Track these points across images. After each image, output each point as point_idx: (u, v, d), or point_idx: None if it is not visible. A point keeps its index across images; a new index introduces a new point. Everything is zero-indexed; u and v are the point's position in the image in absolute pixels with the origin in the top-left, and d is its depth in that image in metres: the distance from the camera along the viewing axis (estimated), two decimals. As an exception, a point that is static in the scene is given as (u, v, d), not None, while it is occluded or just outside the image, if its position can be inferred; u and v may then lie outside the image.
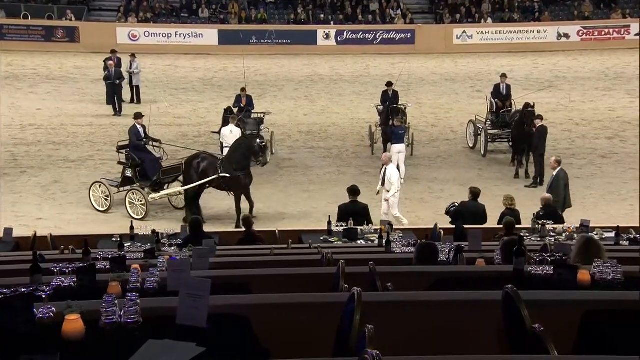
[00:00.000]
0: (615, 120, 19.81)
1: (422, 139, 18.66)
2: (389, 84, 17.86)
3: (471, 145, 17.90)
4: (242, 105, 17.46)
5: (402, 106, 17.62)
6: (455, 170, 16.46)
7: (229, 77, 24.89)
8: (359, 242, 9.73)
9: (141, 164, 13.44)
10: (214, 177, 12.88)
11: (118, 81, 20.39)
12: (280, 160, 17.36)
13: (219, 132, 15.84)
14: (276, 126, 19.09)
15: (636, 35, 28.55)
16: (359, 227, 10.36)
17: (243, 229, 10.13)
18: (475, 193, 11.64)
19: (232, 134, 14.96)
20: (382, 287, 4.48)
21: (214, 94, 23.15)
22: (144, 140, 13.78)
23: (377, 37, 29.35)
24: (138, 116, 14.02)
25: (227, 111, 16.54)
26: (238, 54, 27.48)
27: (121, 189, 13.49)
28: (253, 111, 17.70)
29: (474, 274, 5.10)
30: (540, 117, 15.45)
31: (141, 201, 13.18)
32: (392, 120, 16.27)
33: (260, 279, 4.96)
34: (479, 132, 17.59)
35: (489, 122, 17.53)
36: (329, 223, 10.51)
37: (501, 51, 28.42)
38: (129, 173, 13.48)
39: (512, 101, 17.76)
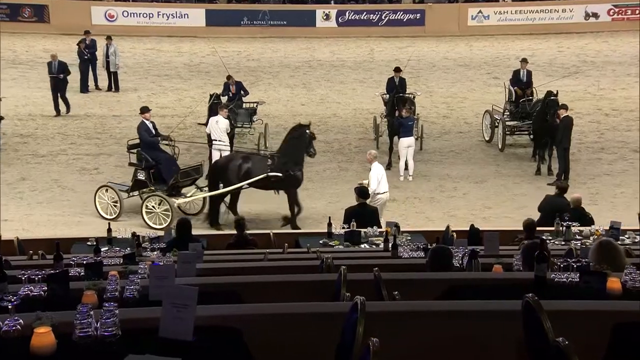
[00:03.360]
0: (650, 110, 19.84)
1: (433, 132, 18.67)
2: (397, 70, 17.85)
3: (487, 139, 17.91)
4: (231, 94, 17.45)
5: (410, 95, 17.61)
6: (469, 166, 16.47)
7: (217, 62, 24.81)
8: (362, 245, 9.77)
9: (155, 165, 13.25)
10: (261, 177, 12.85)
11: (62, 75, 19.44)
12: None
13: (206, 124, 15.85)
14: (270, 117, 19.09)
15: (674, 14, 28.54)
16: (363, 230, 10.36)
17: (234, 232, 10.13)
18: (562, 188, 11.82)
19: (217, 125, 14.96)
20: (388, 296, 4.50)
21: (201, 82, 23.15)
22: (157, 138, 13.64)
23: (383, 17, 29.32)
24: (145, 110, 13.78)
25: (214, 98, 16.50)
26: (228, 36, 27.51)
27: (131, 193, 13.32)
28: (245, 100, 17.70)
29: (491, 281, 5.11)
30: (565, 107, 15.45)
31: (164, 208, 12.89)
32: (399, 110, 16.27)
33: (252, 287, 4.97)
34: (496, 124, 17.60)
35: (507, 113, 17.54)
36: (329, 225, 10.52)
37: (521, 33, 28.42)
38: (141, 175, 13.27)
39: (534, 89, 17.76)
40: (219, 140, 14.98)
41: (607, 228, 10.03)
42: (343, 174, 16.17)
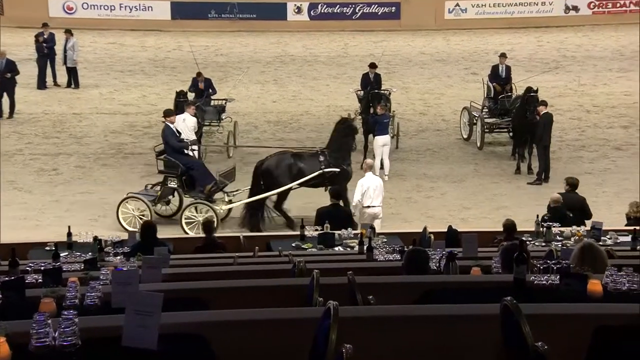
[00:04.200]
0: (632, 107, 20.11)
1: (409, 130, 18.77)
2: (371, 66, 17.91)
3: (465, 136, 18.04)
4: (200, 89, 17.38)
5: (385, 91, 17.69)
6: (447, 165, 16.58)
7: (184, 57, 24.73)
8: (336, 248, 9.80)
9: (187, 171, 13.15)
10: (316, 174, 12.99)
11: (10, 74, 18.86)
12: (245, 154, 17.31)
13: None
14: (240, 115, 19.04)
15: (656, 7, 28.98)
16: (337, 232, 10.40)
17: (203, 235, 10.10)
18: (572, 184, 11.96)
19: (185, 123, 14.89)
20: (362, 301, 4.51)
21: (167, 78, 23.03)
22: (186, 142, 13.56)
23: (357, 11, 29.41)
24: (169, 114, 13.77)
25: (180, 95, 16.42)
26: (195, 30, 27.35)
27: (159, 202, 13.20)
28: (213, 97, 17.64)
29: (469, 284, 5.15)
30: (545, 103, 15.62)
31: (208, 216, 12.68)
32: (374, 107, 16.33)
33: (221, 293, 4.95)
34: (475, 121, 17.75)
35: (486, 110, 17.68)
36: (302, 227, 10.54)
37: (500, 27, 28.67)
38: (173, 183, 13.18)
39: (513, 85, 17.94)
40: (187, 140, 14.90)
41: (589, 229, 10.16)
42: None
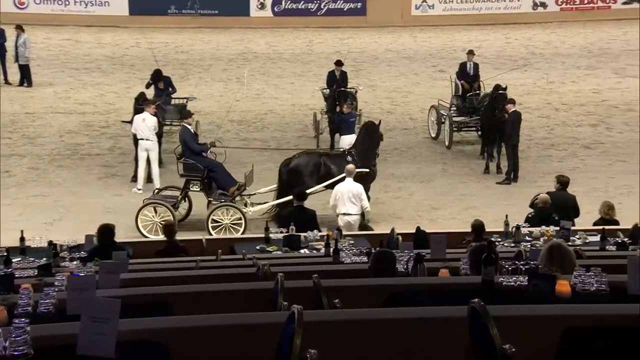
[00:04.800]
0: (600, 105, 20.46)
1: (377, 128, 18.83)
2: (337, 63, 17.96)
3: (433, 135, 18.18)
4: (159, 88, 17.24)
5: (352, 89, 17.74)
6: (415, 164, 16.69)
7: (143, 54, 24.54)
8: (302, 251, 9.83)
9: (208, 174, 13.19)
10: (344, 175, 13.00)
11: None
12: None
13: (130, 122, 15.62)
14: (202, 114, 18.95)
15: (623, 3, 29.49)
16: (302, 234, 10.42)
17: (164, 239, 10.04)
18: (563, 182, 12.05)
19: (144, 122, 14.78)
20: (328, 304, 4.52)
21: (125, 75, 22.82)
22: (207, 145, 13.62)
23: (322, 7, 29.45)
24: (187, 115, 13.77)
25: (139, 101, 16.23)
26: (154, 26, 27.15)
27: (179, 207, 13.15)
28: (174, 96, 17.52)
29: (437, 286, 5.19)
30: (513, 102, 15.80)
31: (235, 218, 12.78)
32: (340, 106, 16.37)
33: (183, 297, 4.93)
34: (443, 120, 17.89)
35: (454, 108, 17.83)
36: (267, 229, 10.53)
37: (468, 23, 28.94)
38: (196, 187, 13.20)
39: (481, 83, 18.11)
40: (147, 140, 14.80)
41: (558, 229, 10.30)
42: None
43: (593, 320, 3.81)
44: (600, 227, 9.82)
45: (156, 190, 13.68)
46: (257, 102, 21.07)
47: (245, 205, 13.21)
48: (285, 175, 13.36)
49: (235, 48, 26.31)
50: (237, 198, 13.31)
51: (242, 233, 12.53)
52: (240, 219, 12.80)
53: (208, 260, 8.35)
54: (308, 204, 12.23)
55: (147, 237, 12.61)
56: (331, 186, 13.08)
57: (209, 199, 13.18)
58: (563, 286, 4.55)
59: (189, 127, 13.65)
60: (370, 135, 13.82)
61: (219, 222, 12.83)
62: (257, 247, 9.95)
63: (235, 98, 21.23)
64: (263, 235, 10.49)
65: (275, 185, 13.55)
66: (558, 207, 11.38)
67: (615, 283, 4.54)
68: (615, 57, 24.58)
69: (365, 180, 13.30)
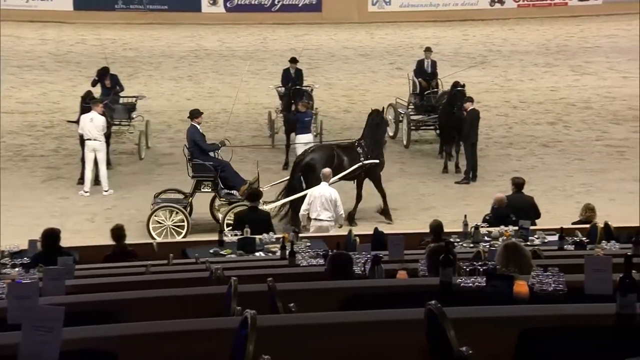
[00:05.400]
0: (558, 102, 20.81)
1: (333, 128, 18.89)
2: (292, 61, 17.96)
3: (391, 134, 18.28)
4: (107, 87, 17.03)
5: (307, 88, 17.76)
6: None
7: (89, 51, 24.23)
8: (257, 254, 9.82)
9: (217, 173, 13.25)
10: (356, 166, 13.53)
11: None
12: (158, 155, 17.13)
13: (76, 122, 15.42)
14: (152, 113, 18.80)
15: (580, 0, 30.05)
16: (257, 237, 10.41)
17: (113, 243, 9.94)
18: (517, 184, 12.10)
19: (92, 123, 14.60)
20: (282, 308, 4.52)
21: (70, 73, 22.51)
22: (217, 144, 13.82)
23: (276, 2, 29.41)
24: (196, 114, 13.81)
25: (86, 99, 16.04)
26: (100, 22, 26.80)
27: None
28: (122, 95, 17.33)
29: (394, 288, 5.22)
30: (471, 100, 15.97)
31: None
32: (295, 105, 16.37)
33: (132, 304, 4.90)
34: (400, 119, 18.01)
35: (412, 106, 17.97)
36: (220, 232, 10.49)
37: (425, 20, 29.17)
38: (207, 188, 13.28)
39: (439, 80, 18.27)
40: (94, 140, 14.64)
41: (517, 228, 10.45)
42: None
43: (550, 320, 3.87)
44: (559, 227, 9.97)
45: (155, 194, 13.63)
46: (210, 100, 20.96)
47: (263, 203, 13.24)
48: (300, 171, 13.52)
49: (186, 45, 26.13)
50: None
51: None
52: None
53: (159, 265, 8.28)
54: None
55: (156, 239, 12.50)
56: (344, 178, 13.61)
57: (221, 199, 13.32)
58: (521, 287, 4.62)
59: (197, 126, 13.71)
60: (377, 123, 14.23)
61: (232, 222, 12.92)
62: (211, 251, 9.89)
63: (186, 97, 21.12)
64: (217, 239, 10.44)
65: (281, 181, 13.77)
66: (516, 210, 11.43)
67: (572, 283, 4.62)
68: (572, 54, 25.03)
69: (375, 171, 13.80)
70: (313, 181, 13.15)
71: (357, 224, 13.41)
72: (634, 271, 4.01)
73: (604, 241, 9.26)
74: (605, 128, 18.84)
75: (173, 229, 12.87)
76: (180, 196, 13.55)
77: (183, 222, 12.92)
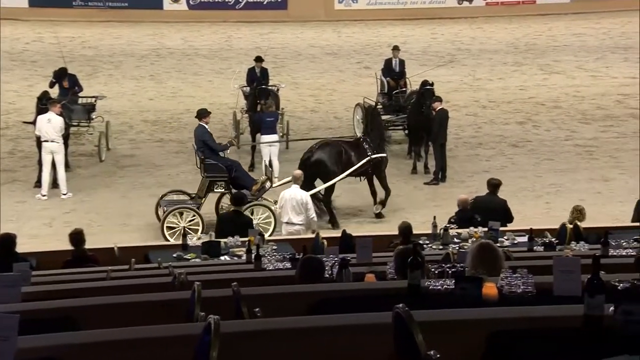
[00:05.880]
0: (527, 102, 21.04)
1: (300, 128, 18.90)
2: (258, 60, 17.93)
3: (359, 135, 18.32)
4: (64, 87, 16.85)
5: (273, 87, 17.74)
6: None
7: (46, 50, 23.95)
8: (222, 258, 9.81)
9: (232, 173, 13.44)
10: (364, 161, 13.86)
11: None
12: (119, 157, 16.99)
13: (33, 123, 15.24)
14: (113, 114, 18.67)
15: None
16: (222, 240, 10.39)
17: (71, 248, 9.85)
18: (493, 185, 12.10)
19: (50, 124, 14.45)
20: (248, 314, 4.51)
21: (26, 72, 22.24)
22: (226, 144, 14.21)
23: (241, 0, 29.35)
24: (204, 114, 13.94)
25: (42, 100, 15.85)
26: (57, 19, 26.51)
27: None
28: (81, 95, 17.16)
29: (362, 292, 5.24)
30: (440, 99, 16.07)
31: (265, 216, 13.09)
32: (261, 104, 16.35)
33: (92, 311, 4.86)
34: (369, 118, 18.05)
35: (380, 106, 18.02)
36: (184, 236, 10.46)
37: (393, 18, 29.30)
38: (220, 188, 13.43)
39: (407, 80, 18.37)
40: (52, 142, 14.49)
41: (486, 230, 10.55)
42: (199, 178, 16.02)
43: (519, 322, 3.92)
44: (528, 228, 10.09)
45: (160, 196, 13.70)
46: (173, 101, 20.85)
47: (275, 202, 13.48)
48: (309, 169, 13.62)
49: (148, 43, 25.95)
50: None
51: (272, 234, 12.75)
52: (269, 217, 13.11)
53: (120, 270, 8.25)
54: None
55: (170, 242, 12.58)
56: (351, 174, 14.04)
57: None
58: (490, 289, 4.66)
59: (206, 126, 13.84)
60: (378, 119, 14.76)
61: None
62: (174, 255, 9.88)
63: (148, 97, 20.99)
64: (180, 242, 10.40)
65: (288, 180, 13.84)
66: (485, 211, 11.49)
67: (541, 284, 4.68)
68: (541, 53, 25.32)
69: (380, 167, 14.18)
70: (324, 176, 13.59)
71: (383, 215, 14.08)
72: (602, 272, 4.07)
73: (573, 242, 9.39)
74: (574, 128, 19.09)
75: (189, 229, 12.81)
76: (185, 197, 13.68)
77: (197, 222, 13.05)
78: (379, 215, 14.12)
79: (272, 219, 13.12)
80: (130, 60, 24.08)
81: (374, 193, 14.30)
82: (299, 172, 13.06)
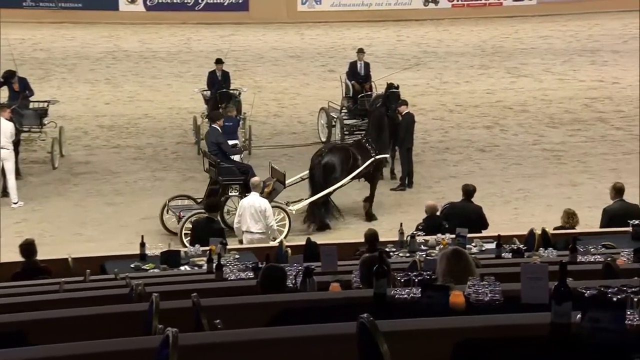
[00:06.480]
0: (495, 105, 21.26)
1: (262, 133, 18.90)
2: (218, 62, 17.91)
3: (324, 140, 18.38)
4: (14, 91, 16.65)
5: (235, 91, 17.73)
6: (304, 171, 16.79)
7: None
8: (182, 268, 9.75)
9: (248, 176, 13.67)
10: (369, 162, 14.28)
11: None
12: (73, 164, 16.85)
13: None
14: (66, 119, 18.53)
15: (515, 0, 30.78)
16: (183, 249, 10.36)
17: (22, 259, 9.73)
18: (467, 191, 12.09)
19: (-1, 129, 14.31)
20: (208, 325, 4.50)
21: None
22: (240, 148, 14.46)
23: (200, 1, 29.27)
24: (218, 117, 14.50)
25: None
26: (6, 20, 26.12)
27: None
28: (32, 99, 16.99)
29: (327, 301, 5.24)
30: (406, 103, 16.18)
31: (280, 218, 13.43)
32: (222, 109, 16.32)
33: (44, 325, 4.80)
34: (334, 123, 18.11)
35: (345, 110, 18.10)
36: (142, 245, 10.38)
37: (358, 20, 29.43)
38: (234, 191, 13.72)
39: (373, 83, 18.46)
40: (2, 148, 14.33)
41: (454, 236, 10.62)
42: (158, 185, 15.98)
43: (486, 331, 3.95)
44: (496, 234, 10.18)
45: (166, 202, 13.77)
46: (130, 105, 20.73)
47: (287, 204, 13.82)
48: (319, 172, 14.04)
49: (103, 46, 25.78)
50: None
51: (286, 235, 13.04)
52: (284, 219, 13.47)
53: (75, 282, 8.15)
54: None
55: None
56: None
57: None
58: (457, 297, 4.69)
59: (219, 129, 14.12)
60: (382, 120, 14.93)
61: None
62: (132, 266, 9.80)
63: (104, 101, 20.83)
64: (138, 252, 10.33)
65: (296, 179, 14.44)
66: (461, 218, 11.53)
67: (509, 292, 4.71)
68: (508, 56, 25.61)
69: (379, 167, 14.71)
70: (331, 180, 14.05)
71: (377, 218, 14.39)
72: (569, 279, 4.12)
73: (541, 248, 9.50)
74: (542, 132, 19.33)
75: None
76: (191, 203, 13.81)
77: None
78: (370, 216, 14.46)
79: (287, 221, 13.49)
80: (84, 63, 23.91)
81: (371, 189, 14.73)
82: (257, 179, 13.14)
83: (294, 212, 13.78)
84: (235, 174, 13.82)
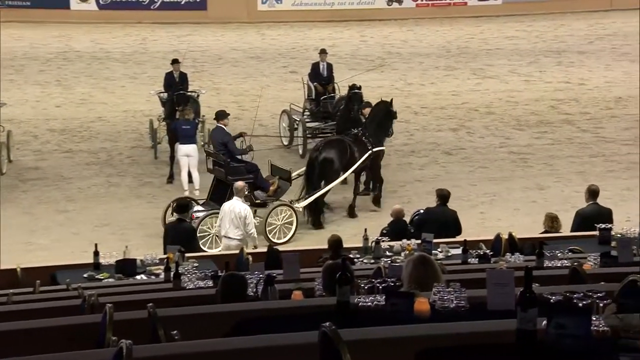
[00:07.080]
0: (461, 107, 21.42)
1: (222, 136, 18.82)
2: (175, 62, 17.83)
3: (286, 143, 18.39)
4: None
5: (193, 93, 17.66)
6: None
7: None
8: (138, 277, 9.70)
9: (257, 175, 13.97)
10: (367, 155, 14.52)
11: None
12: (22, 169, 16.65)
13: None
14: (14, 122, 18.33)
15: (480, 0, 31.08)
16: (138, 258, 10.29)
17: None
18: (442, 196, 12.15)
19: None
20: (165, 336, 4.48)
21: None
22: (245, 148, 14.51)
23: (156, 0, 29.13)
24: (223, 116, 14.53)
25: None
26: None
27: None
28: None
29: (289, 310, 5.25)
30: (369, 104, 16.22)
31: (287, 218, 13.60)
32: (179, 111, 16.24)
33: (-8, 339, 4.74)
34: (296, 126, 18.11)
35: (308, 113, 18.12)
36: (96, 254, 10.29)
37: (320, 20, 29.50)
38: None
39: (336, 85, 18.49)
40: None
41: (419, 242, 10.68)
42: (113, 191, 15.84)
43: (451, 339, 3.98)
44: (462, 239, 10.26)
45: (168, 205, 13.80)
46: (83, 108, 20.55)
47: (291, 202, 13.95)
48: (318, 167, 14.19)
49: (53, 46, 25.54)
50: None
51: (293, 235, 13.51)
52: (291, 216, 13.69)
53: (23, 294, 8.07)
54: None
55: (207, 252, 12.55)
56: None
57: (257, 201, 13.86)
58: (422, 304, 4.72)
59: (225, 128, 14.22)
60: (381, 113, 15.17)
61: (274, 224, 13.61)
62: (85, 275, 9.73)
63: (55, 104, 20.62)
64: (92, 261, 10.23)
65: (295, 175, 14.49)
66: (437, 224, 11.61)
67: (475, 298, 4.76)
68: (473, 56, 25.83)
69: (377, 159, 14.85)
70: (333, 176, 14.29)
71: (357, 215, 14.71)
72: (536, 284, 4.17)
73: (508, 253, 9.59)
74: (509, 134, 19.52)
75: (217, 235, 13.05)
76: (194, 205, 13.81)
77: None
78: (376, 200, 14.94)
79: (293, 218, 13.64)
80: (33, 64, 23.67)
81: (375, 179, 15.14)
82: (241, 183, 13.10)
83: (300, 209, 13.96)
84: (244, 173, 13.94)
